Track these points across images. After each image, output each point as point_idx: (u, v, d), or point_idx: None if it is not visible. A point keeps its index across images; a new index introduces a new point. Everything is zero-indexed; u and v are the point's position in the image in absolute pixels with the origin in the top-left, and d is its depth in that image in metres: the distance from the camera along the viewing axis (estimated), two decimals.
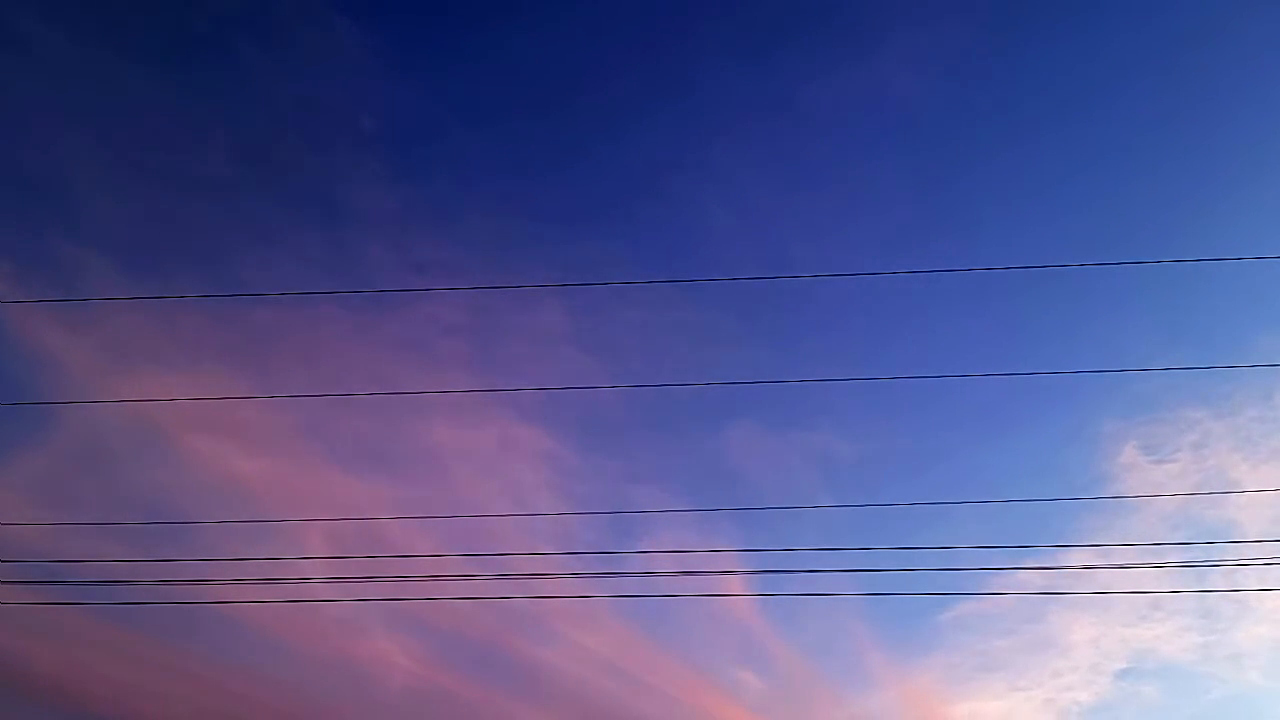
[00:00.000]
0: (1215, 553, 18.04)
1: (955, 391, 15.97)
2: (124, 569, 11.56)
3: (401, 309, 16.04)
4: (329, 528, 17.06)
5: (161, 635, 15.25)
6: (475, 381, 16.20)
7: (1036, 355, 17.17)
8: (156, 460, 15.52)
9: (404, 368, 16.00)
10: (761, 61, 16.93)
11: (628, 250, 17.11)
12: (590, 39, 17.05)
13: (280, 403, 16.00)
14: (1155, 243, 17.01)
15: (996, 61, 17.11)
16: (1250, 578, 16.93)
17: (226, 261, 15.95)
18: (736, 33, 16.97)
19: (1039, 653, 19.20)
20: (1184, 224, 16.94)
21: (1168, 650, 18.40)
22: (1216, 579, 17.05)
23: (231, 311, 15.58)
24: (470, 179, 17.04)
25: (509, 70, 16.61)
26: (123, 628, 14.88)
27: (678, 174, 17.17)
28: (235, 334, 15.52)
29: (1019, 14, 16.85)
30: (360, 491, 16.86)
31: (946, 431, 17.05)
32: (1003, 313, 17.12)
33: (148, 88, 15.76)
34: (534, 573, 11.12)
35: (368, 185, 16.54)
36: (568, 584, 11.55)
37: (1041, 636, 18.57)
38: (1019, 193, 17.64)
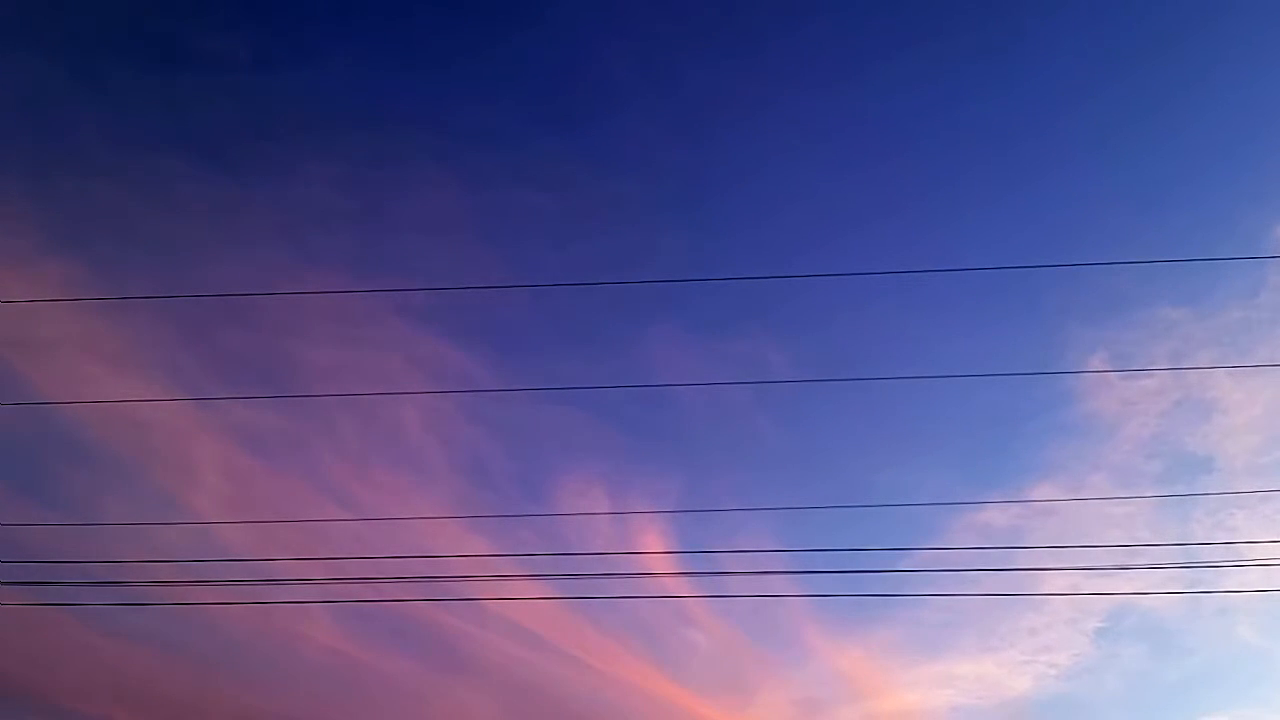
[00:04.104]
0: (1199, 484, 16.18)
1: (897, 290, 14.03)
2: None
3: (264, 187, 14.05)
4: (223, 476, 15.45)
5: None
6: (359, 280, 14.45)
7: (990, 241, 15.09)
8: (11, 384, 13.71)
9: (275, 263, 14.12)
10: None
11: (507, 90, 14.76)
12: None
13: (143, 309, 14.23)
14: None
15: None
16: (1238, 515, 15.01)
17: (46, 115, 13.85)
18: None
19: (1011, 607, 17.33)
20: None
21: (1149, 605, 16.51)
22: (1201, 515, 15.15)
23: (62, 186, 13.74)
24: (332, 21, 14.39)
25: None
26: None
27: None
28: (77, 220, 13.62)
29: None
30: (245, 419, 15.05)
31: (890, 338, 15.02)
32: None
33: None
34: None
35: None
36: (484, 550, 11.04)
37: (1012, 588, 16.70)
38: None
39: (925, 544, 13.75)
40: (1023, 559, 12.93)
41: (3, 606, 10.99)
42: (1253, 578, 13.61)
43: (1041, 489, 15.21)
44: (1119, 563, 12.46)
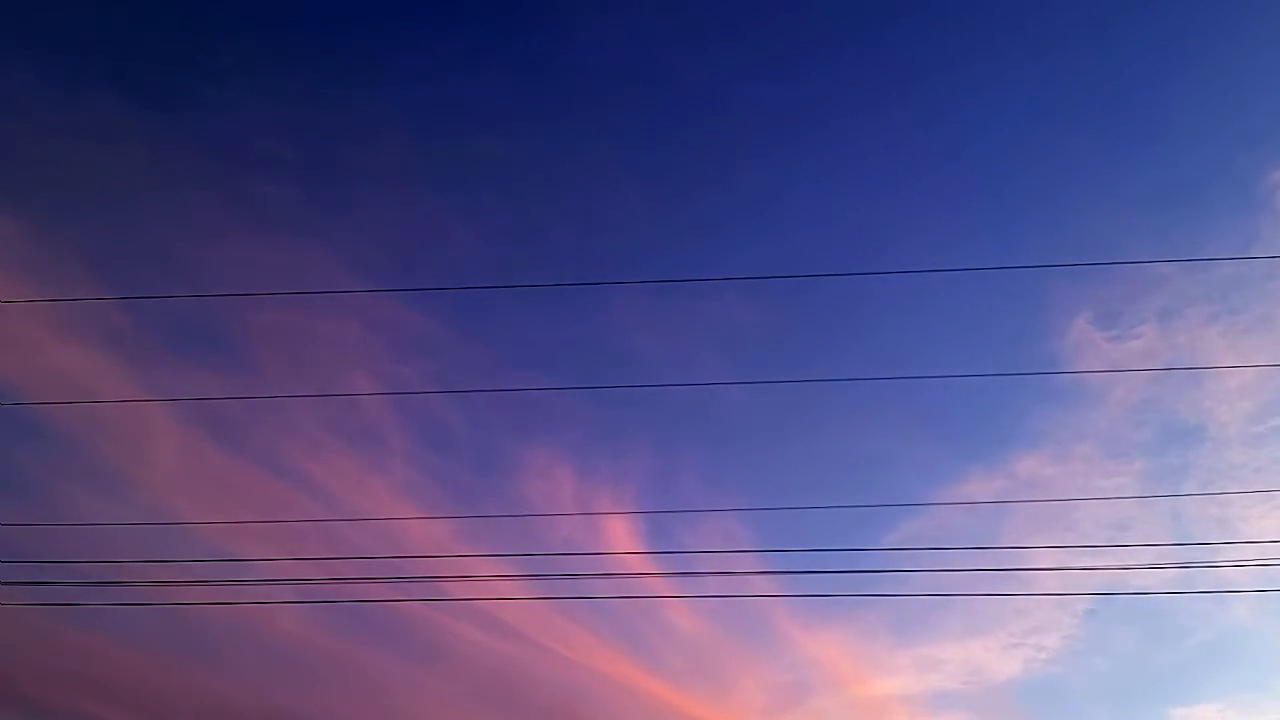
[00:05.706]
0: (1190, 454, 15.47)
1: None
2: None
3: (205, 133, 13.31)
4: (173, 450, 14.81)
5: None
6: (308, 239, 13.80)
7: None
8: None
9: (217, 214, 13.42)
10: None
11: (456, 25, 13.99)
12: None
13: (81, 269, 13.57)
14: None
15: None
16: (1231, 487, 14.32)
17: None
18: None
19: (997, 587, 16.66)
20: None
21: (1140, 584, 15.84)
22: (1192, 486, 14.46)
23: None
24: None
25: None
26: None
27: None
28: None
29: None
30: (194, 389, 14.35)
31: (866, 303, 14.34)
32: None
33: None
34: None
35: None
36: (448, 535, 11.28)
37: (999, 568, 16.04)
38: None
39: (906, 520, 13.19)
40: (1008, 538, 12.34)
41: None
42: (1249, 552, 12.91)
43: (1027, 460, 14.59)
44: (1108, 540, 11.84)
